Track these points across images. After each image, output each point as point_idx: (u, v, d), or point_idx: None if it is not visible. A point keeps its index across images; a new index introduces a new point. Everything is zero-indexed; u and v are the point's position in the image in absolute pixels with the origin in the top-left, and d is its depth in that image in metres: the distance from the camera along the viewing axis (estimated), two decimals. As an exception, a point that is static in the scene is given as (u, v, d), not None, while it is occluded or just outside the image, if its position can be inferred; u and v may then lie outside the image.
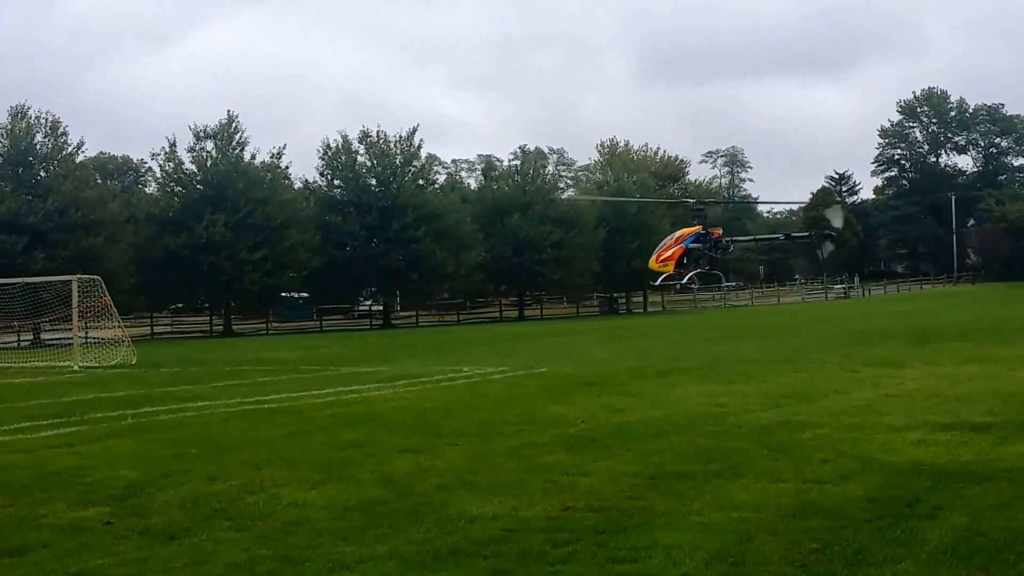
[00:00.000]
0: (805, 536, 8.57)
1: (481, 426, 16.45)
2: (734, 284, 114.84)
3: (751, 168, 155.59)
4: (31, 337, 57.23)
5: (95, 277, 39.22)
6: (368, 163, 76.75)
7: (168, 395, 23.82)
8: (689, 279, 28.52)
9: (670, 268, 28.11)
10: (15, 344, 55.40)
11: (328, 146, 76.69)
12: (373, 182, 76.20)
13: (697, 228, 28.65)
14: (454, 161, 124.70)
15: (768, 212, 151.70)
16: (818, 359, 28.11)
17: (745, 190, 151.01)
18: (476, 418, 17.60)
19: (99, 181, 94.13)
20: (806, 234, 30.38)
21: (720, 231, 29.28)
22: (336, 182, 77.56)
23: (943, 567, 7.66)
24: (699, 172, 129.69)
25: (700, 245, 28.21)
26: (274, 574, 8.22)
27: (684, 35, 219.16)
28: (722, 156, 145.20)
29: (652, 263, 28.78)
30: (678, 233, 29.31)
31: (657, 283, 28.94)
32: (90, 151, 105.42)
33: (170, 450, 15.00)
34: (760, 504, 9.86)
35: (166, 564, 8.57)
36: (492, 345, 43.69)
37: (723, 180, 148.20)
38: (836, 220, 31.54)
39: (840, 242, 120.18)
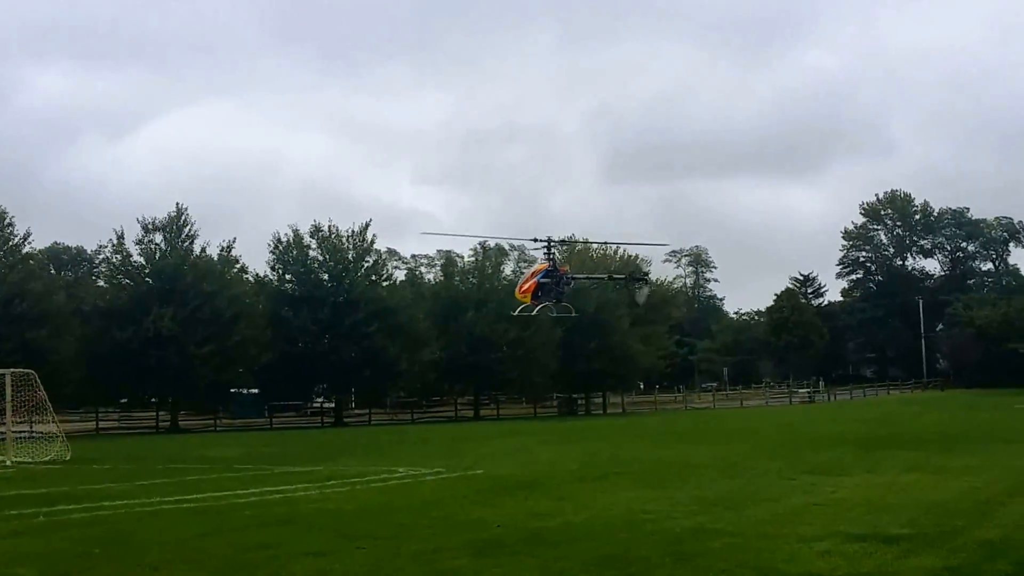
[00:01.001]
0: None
1: (395, 529, 16.24)
2: (708, 386, 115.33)
3: (715, 268, 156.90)
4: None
5: (29, 371, 38.70)
6: (320, 258, 76.69)
7: (90, 493, 23.43)
8: (539, 310, 32.67)
9: (528, 299, 32.25)
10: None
11: (279, 240, 76.58)
12: (325, 277, 76.09)
13: (547, 265, 32.71)
14: (414, 256, 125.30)
15: (735, 313, 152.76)
16: (760, 465, 28.04)
17: (710, 290, 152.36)
18: (394, 520, 17.38)
19: (52, 272, 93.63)
20: (623, 276, 36.71)
21: (567, 268, 34.10)
22: (288, 276, 77.33)
23: None
24: (663, 271, 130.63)
25: (549, 280, 32.22)
26: None
27: (652, 131, 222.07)
28: (686, 255, 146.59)
29: (516, 293, 33.23)
30: (534, 268, 33.94)
31: (516, 312, 32.99)
32: (44, 241, 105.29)
33: (74, 549, 14.72)
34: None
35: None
36: (437, 445, 43.35)
37: (687, 280, 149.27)
38: (640, 297, 37.60)
39: (803, 344, 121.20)
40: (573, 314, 32.45)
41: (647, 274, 34.67)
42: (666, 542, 14.31)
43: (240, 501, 20.96)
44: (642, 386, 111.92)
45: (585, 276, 37.32)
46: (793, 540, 14.39)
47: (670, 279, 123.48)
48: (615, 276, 35.78)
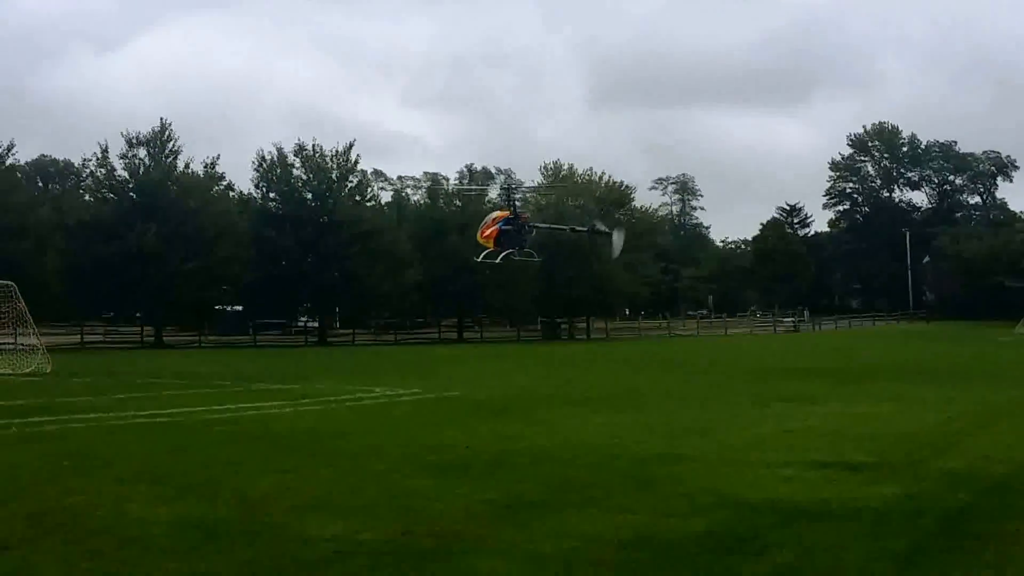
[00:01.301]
0: (626, 569, 8.58)
1: (364, 449, 16.34)
2: (693, 314, 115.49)
3: (702, 196, 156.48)
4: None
5: (9, 283, 38.63)
6: (304, 177, 76.28)
7: (65, 405, 23.51)
8: (502, 257, 32.70)
9: (491, 245, 32.24)
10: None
11: (263, 158, 76.09)
12: (309, 196, 75.80)
13: (508, 213, 32.77)
14: (400, 178, 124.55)
15: (722, 241, 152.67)
16: (735, 393, 28.22)
17: (696, 218, 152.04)
18: (363, 441, 17.48)
19: (39, 184, 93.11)
20: (584, 228, 36.50)
21: (528, 216, 33.88)
22: (271, 195, 77.02)
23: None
24: (649, 198, 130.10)
25: (511, 228, 32.24)
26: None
27: (638, 61, 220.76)
28: (672, 183, 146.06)
29: (478, 237, 33.09)
30: (495, 214, 33.94)
31: (480, 258, 32.80)
32: (31, 153, 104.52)
33: (42, 462, 14.76)
34: (597, 535, 9.86)
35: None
36: (417, 367, 43.52)
37: (673, 208, 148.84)
38: (617, 239, 37.10)
39: (788, 274, 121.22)
40: (536, 259, 32.06)
41: (608, 232, 34.38)
42: (630, 467, 14.42)
43: (213, 417, 21.05)
44: (627, 312, 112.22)
45: (547, 226, 37.23)
46: (758, 466, 14.51)
47: (655, 206, 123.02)
48: (576, 229, 35.63)
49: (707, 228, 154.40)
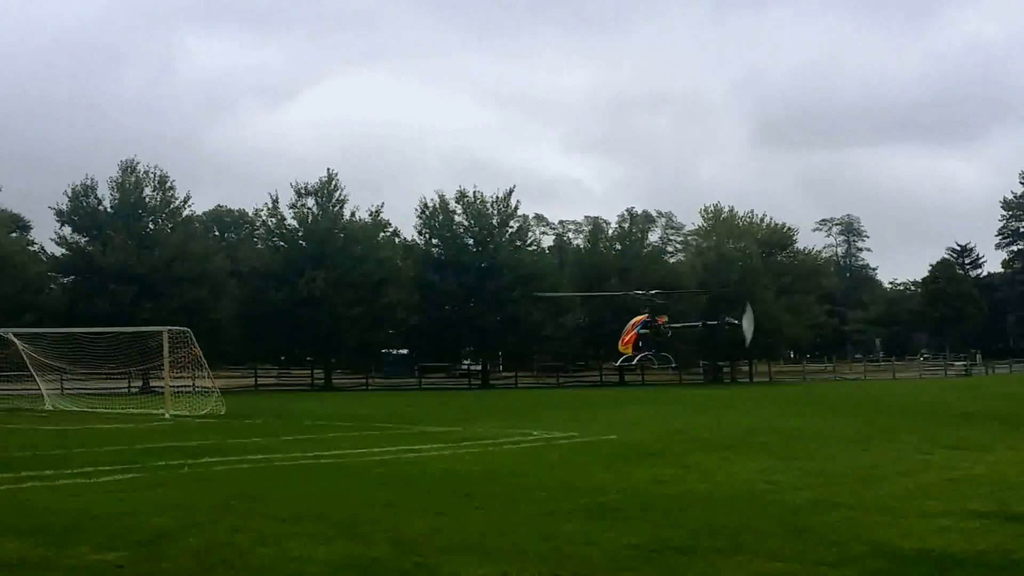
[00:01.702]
0: (766, 616, 8.58)
1: (517, 491, 16.61)
2: (859, 357, 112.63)
3: (867, 237, 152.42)
4: (140, 383, 59.11)
5: (185, 329, 40.55)
6: (465, 223, 77.75)
7: (236, 446, 24.51)
8: (639, 360, 32.63)
9: (629, 350, 32.47)
10: (126, 390, 57.30)
11: (426, 205, 77.93)
12: (470, 242, 77.19)
13: (645, 316, 33.13)
14: (561, 222, 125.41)
15: (890, 283, 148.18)
16: (898, 439, 27.48)
17: (862, 259, 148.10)
18: (517, 483, 17.76)
19: (215, 233, 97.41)
20: (715, 321, 35.79)
21: (665, 319, 34.20)
22: (434, 241, 78.70)
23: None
24: (813, 240, 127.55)
25: (648, 331, 32.50)
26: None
27: (801, 99, 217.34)
28: (837, 224, 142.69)
29: (619, 346, 33.57)
30: (634, 320, 34.13)
31: (617, 364, 32.73)
32: (208, 204, 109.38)
33: (211, 501, 15.52)
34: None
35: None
36: (576, 410, 43.70)
37: (838, 249, 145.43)
38: (747, 326, 36.27)
39: (959, 316, 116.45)
40: (672, 365, 32.33)
41: (737, 323, 34.42)
42: (782, 514, 14.29)
43: (373, 459, 21.68)
44: (791, 355, 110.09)
45: (681, 325, 37.92)
46: (913, 516, 14.20)
47: (819, 248, 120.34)
48: (708, 323, 36.34)
49: (874, 270, 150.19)
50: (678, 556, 11.22)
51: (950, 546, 11.89)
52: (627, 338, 33.65)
